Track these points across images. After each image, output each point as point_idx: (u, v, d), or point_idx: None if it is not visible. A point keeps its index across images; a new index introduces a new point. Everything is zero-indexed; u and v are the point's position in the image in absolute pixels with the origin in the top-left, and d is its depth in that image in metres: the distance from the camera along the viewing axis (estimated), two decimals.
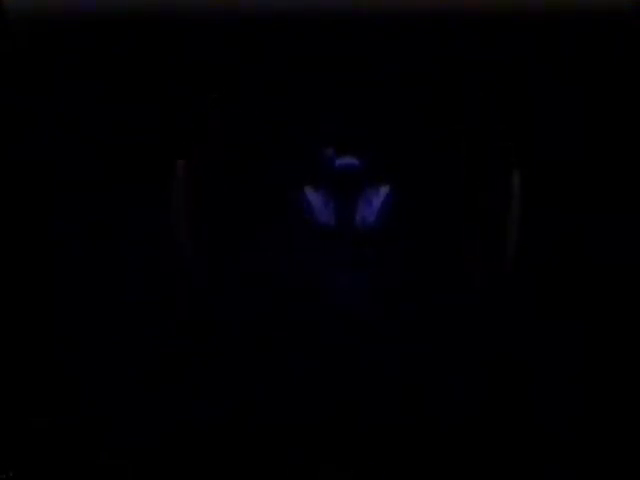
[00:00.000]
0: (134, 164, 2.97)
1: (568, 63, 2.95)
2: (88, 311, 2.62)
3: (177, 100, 2.89)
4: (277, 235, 2.97)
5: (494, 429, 2.58)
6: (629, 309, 2.68)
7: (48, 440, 2.52)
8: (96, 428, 2.60)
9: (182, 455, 2.56)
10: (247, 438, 2.54)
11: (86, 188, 2.90)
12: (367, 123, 3.02)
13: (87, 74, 2.99)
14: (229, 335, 2.78)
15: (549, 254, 2.77)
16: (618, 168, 2.86)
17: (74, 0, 2.84)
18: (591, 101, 2.86)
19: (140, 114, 2.91)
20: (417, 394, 2.70)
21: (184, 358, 2.69)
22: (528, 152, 2.87)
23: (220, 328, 2.80)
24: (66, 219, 2.81)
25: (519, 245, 2.71)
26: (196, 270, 2.79)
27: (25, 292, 2.66)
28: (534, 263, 2.76)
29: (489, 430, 2.57)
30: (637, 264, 2.70)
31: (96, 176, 2.97)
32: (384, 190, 3.04)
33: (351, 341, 2.81)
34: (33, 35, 2.91)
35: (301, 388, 2.75)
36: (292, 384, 2.75)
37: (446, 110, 2.85)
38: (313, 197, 3.03)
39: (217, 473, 2.50)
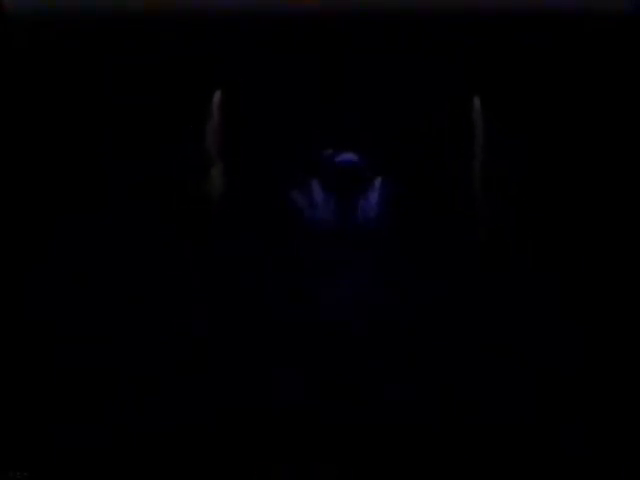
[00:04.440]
0: (130, 165, 2.96)
1: (568, 62, 2.94)
2: (87, 305, 2.61)
3: (176, 101, 2.88)
4: (278, 233, 2.96)
5: (492, 430, 2.56)
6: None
7: (61, 442, 2.51)
8: (103, 428, 2.58)
9: (178, 454, 2.54)
10: (253, 440, 2.52)
11: (87, 189, 2.89)
12: (364, 121, 3.00)
13: (87, 73, 2.98)
14: (230, 333, 2.77)
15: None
16: (618, 169, 2.85)
17: (74, 1, 2.84)
18: (591, 100, 2.86)
19: (138, 113, 2.91)
20: (420, 390, 2.68)
21: (185, 357, 2.67)
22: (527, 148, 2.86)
23: (220, 326, 2.78)
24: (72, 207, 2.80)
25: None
26: (197, 267, 2.78)
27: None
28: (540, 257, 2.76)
29: (488, 431, 2.56)
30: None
31: (95, 176, 2.95)
32: (380, 188, 3.02)
33: (353, 339, 2.78)
34: (33, 35, 2.92)
35: (302, 385, 2.73)
36: (291, 382, 2.73)
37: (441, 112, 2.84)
38: (314, 195, 3.02)
39: (211, 475, 2.49)
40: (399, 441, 2.58)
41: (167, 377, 2.66)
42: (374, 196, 2.71)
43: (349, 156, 2.85)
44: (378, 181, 2.71)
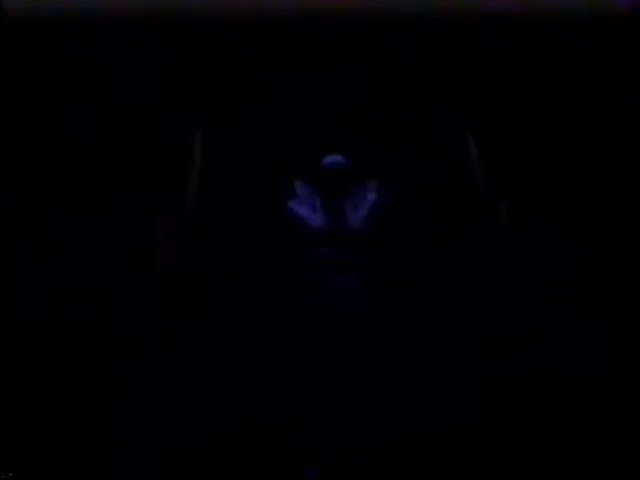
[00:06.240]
0: (128, 166, 2.96)
1: (568, 63, 2.93)
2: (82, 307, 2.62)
3: (175, 101, 2.88)
4: (267, 237, 2.96)
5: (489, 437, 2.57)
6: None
7: (47, 441, 2.51)
8: (96, 429, 2.59)
9: (171, 460, 2.55)
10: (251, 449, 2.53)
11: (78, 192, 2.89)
12: (354, 123, 2.99)
13: (88, 74, 2.97)
14: (226, 346, 2.78)
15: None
16: (619, 170, 2.85)
17: (74, 0, 2.83)
18: (591, 100, 2.85)
19: (138, 113, 2.90)
20: (419, 396, 2.70)
21: (183, 369, 2.69)
22: (521, 159, 2.86)
23: (217, 338, 2.79)
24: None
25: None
26: (198, 280, 2.78)
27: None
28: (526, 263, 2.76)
29: (486, 435, 2.57)
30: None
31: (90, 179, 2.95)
32: (371, 195, 3.03)
33: (349, 347, 2.80)
34: (33, 35, 2.91)
35: (299, 390, 2.74)
36: (289, 389, 2.74)
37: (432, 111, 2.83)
38: (302, 198, 3.01)
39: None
40: (399, 450, 2.58)
41: (159, 379, 2.67)
42: (364, 199, 2.69)
43: (337, 158, 2.82)
44: (368, 184, 2.69)
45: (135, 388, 2.62)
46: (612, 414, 2.54)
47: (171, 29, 2.80)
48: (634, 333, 2.63)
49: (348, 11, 2.73)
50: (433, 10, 2.76)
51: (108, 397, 2.60)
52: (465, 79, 2.87)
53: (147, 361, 2.68)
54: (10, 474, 2.32)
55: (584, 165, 2.96)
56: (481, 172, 2.93)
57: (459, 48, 2.86)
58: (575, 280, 2.77)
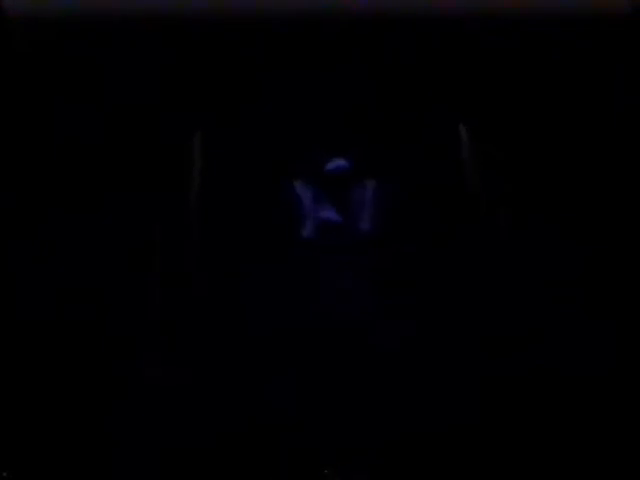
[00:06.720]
0: (128, 166, 2.95)
1: (568, 63, 2.92)
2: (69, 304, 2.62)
3: (175, 101, 2.86)
4: (269, 242, 2.94)
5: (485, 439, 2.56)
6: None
7: (47, 441, 2.51)
8: (93, 430, 2.58)
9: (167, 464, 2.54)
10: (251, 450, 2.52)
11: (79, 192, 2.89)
12: (355, 126, 2.97)
13: (86, 74, 2.95)
14: (227, 346, 2.77)
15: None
16: (619, 170, 2.84)
17: (74, 1, 2.82)
18: (591, 100, 2.84)
19: (138, 113, 2.89)
20: (420, 397, 2.68)
21: (186, 367, 2.68)
22: (522, 160, 2.85)
23: (217, 338, 2.79)
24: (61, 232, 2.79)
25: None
26: (199, 280, 2.77)
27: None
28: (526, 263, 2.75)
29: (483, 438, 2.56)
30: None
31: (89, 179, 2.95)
32: (372, 196, 3.02)
33: (352, 348, 2.80)
34: (33, 35, 2.89)
35: (303, 390, 2.73)
36: (290, 389, 2.73)
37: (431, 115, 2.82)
38: (305, 203, 3.01)
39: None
40: (399, 449, 2.57)
41: (159, 379, 2.67)
42: (367, 202, 2.68)
43: (340, 162, 2.81)
44: (369, 185, 2.68)
45: (135, 388, 2.61)
46: (612, 414, 2.53)
47: (171, 29, 2.78)
48: (634, 333, 2.62)
49: (348, 11, 2.71)
50: (433, 10, 2.75)
51: (108, 397, 2.59)
52: (465, 79, 2.85)
53: (147, 361, 2.67)
54: (10, 474, 2.31)
55: (584, 165, 2.94)
56: (481, 172, 2.92)
57: (459, 48, 2.84)
58: (575, 280, 2.75)
